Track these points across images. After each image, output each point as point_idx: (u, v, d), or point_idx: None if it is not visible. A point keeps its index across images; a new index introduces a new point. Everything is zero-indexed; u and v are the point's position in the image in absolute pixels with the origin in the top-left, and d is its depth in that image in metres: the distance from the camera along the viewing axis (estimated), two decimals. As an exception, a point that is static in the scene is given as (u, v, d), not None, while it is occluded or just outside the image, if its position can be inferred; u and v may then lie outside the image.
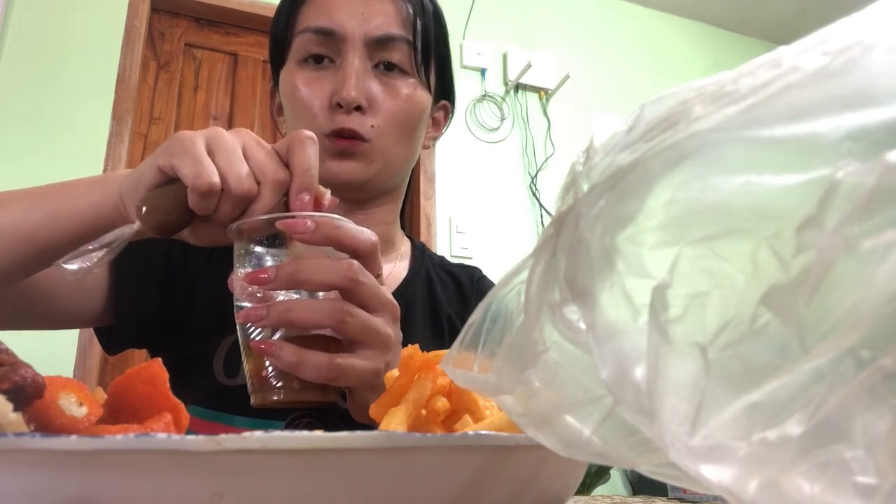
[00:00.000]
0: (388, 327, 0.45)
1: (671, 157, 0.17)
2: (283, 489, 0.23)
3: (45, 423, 0.28)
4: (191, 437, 0.22)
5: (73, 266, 0.38)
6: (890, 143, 0.14)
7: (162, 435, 0.22)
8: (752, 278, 0.15)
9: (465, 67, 2.64)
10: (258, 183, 0.43)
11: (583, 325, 0.18)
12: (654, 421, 0.16)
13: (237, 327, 0.44)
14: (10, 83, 2.03)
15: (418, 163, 0.99)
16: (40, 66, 2.08)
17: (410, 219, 2.38)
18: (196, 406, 0.61)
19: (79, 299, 0.61)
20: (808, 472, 0.14)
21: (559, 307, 0.19)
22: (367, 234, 0.45)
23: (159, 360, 0.30)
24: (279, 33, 0.70)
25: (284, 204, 0.45)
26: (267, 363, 0.43)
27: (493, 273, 0.73)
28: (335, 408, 0.51)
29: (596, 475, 2.14)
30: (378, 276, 0.46)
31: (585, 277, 0.18)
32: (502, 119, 2.66)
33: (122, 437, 0.22)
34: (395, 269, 0.73)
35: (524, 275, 0.22)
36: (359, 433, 0.24)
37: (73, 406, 0.29)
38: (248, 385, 0.44)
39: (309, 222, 0.42)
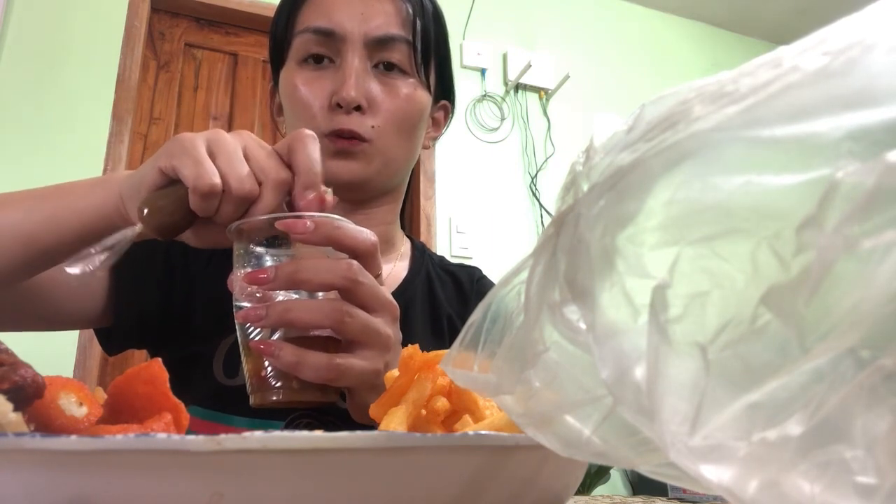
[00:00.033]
0: (388, 327, 0.45)
1: (671, 157, 0.17)
2: (283, 489, 0.23)
3: (45, 423, 0.28)
4: (191, 437, 0.22)
5: (76, 270, 0.38)
6: (890, 143, 0.14)
7: (162, 435, 0.22)
8: (752, 278, 0.15)
9: (465, 67, 2.64)
10: (259, 184, 0.43)
11: (583, 325, 0.18)
12: (654, 421, 0.16)
13: (236, 327, 0.44)
14: (10, 83, 2.03)
15: (418, 163, 0.99)
16: (40, 66, 2.09)
17: (410, 219, 2.38)
18: (196, 406, 0.61)
19: (79, 300, 0.61)
20: (808, 472, 0.14)
21: (559, 307, 0.19)
22: (366, 235, 0.45)
23: (159, 360, 0.30)
24: (279, 33, 0.70)
25: (285, 204, 0.45)
26: (266, 363, 0.43)
27: (493, 273, 0.73)
28: (335, 408, 0.51)
29: (596, 475, 2.14)
30: (378, 276, 0.46)
31: (585, 277, 0.18)
32: (502, 119, 2.66)
33: (122, 437, 0.22)
34: (395, 269, 0.73)
35: (524, 275, 0.22)
36: (359, 433, 0.24)
37: (73, 406, 0.29)
38: (248, 385, 0.44)
39: (308, 222, 0.42)
